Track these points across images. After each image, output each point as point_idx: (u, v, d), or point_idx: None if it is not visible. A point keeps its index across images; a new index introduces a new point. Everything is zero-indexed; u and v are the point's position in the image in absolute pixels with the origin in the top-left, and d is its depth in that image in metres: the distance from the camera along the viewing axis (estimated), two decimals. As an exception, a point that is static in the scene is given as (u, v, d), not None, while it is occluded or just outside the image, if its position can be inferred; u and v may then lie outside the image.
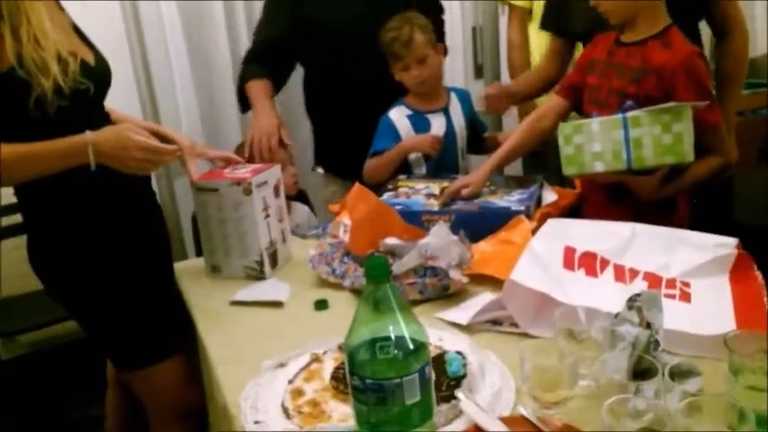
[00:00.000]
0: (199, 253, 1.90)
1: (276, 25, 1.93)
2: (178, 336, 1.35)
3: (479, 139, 1.93)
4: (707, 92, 1.35)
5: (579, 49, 1.78)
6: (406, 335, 0.70)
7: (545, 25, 1.87)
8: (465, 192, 1.53)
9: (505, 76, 2.45)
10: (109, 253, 1.29)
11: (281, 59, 1.95)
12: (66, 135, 1.16)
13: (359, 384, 0.71)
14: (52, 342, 2.34)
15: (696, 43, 1.50)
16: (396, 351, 0.69)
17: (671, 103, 1.29)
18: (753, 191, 2.49)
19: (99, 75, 1.26)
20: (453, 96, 1.88)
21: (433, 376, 0.83)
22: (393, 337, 0.70)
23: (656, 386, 0.80)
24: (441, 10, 2.08)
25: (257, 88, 1.87)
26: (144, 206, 1.39)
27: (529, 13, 2.18)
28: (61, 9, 1.28)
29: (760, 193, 2.43)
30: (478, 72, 2.86)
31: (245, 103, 1.92)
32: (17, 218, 2.20)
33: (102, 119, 1.29)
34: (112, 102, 1.37)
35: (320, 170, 2.11)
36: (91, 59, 1.25)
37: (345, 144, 1.91)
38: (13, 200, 2.25)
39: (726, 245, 1.14)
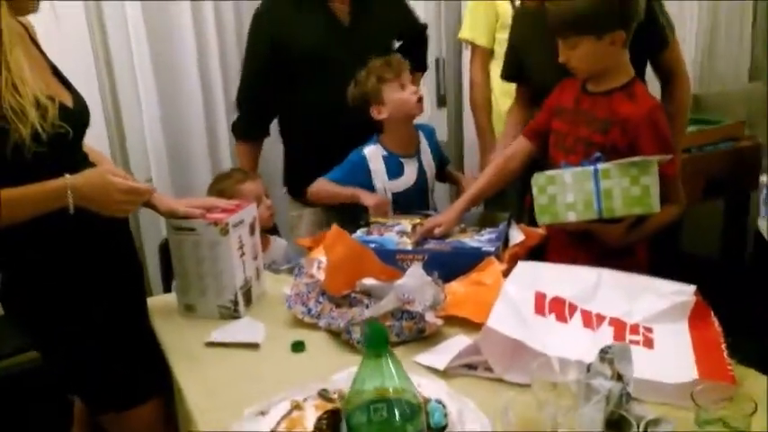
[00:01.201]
0: (166, 286, 1.90)
1: (257, 59, 2.00)
2: (154, 377, 1.33)
3: (442, 171, 2.01)
4: (668, 144, 1.44)
5: None
6: (403, 400, 0.73)
7: (507, 77, 1.94)
8: (437, 231, 1.58)
9: (467, 106, 2.54)
10: (83, 292, 1.27)
11: (266, 96, 2.04)
12: (44, 179, 1.14)
13: (357, 449, 0.74)
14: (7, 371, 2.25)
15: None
16: (393, 415, 0.72)
17: (638, 158, 1.36)
18: (700, 224, 2.64)
19: (77, 117, 1.25)
20: (422, 136, 1.93)
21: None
22: (391, 401, 0.73)
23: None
24: (424, 28, 2.23)
25: (243, 155, 2.13)
26: (120, 244, 1.38)
27: (491, 53, 2.25)
28: (40, 50, 1.27)
29: (707, 225, 2.58)
30: (441, 101, 2.94)
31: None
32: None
33: (81, 161, 1.28)
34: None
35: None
36: (69, 102, 1.24)
37: (311, 170, 1.93)
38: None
39: (684, 292, 1.21)
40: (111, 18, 2.20)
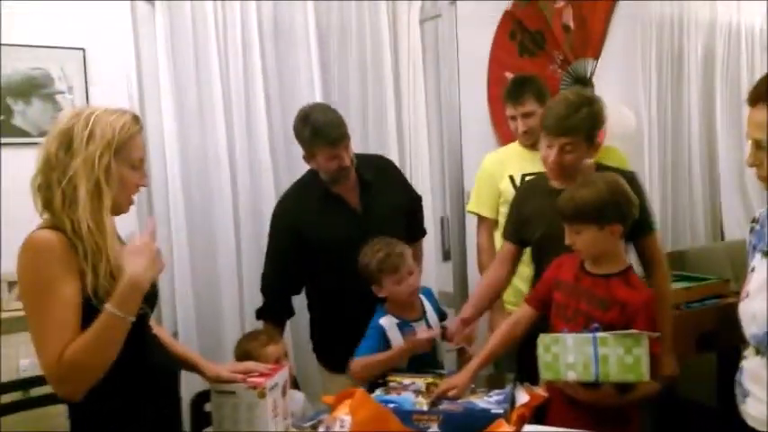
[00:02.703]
0: (195, 436, 2.01)
1: (279, 250, 2.24)
2: None
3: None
4: (656, 328, 1.64)
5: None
6: None
7: (507, 236, 2.17)
8: (452, 393, 1.74)
9: (471, 260, 2.79)
10: None
11: (289, 284, 2.27)
12: (125, 351, 1.32)
13: None
14: None
15: None
16: None
17: (632, 330, 1.56)
18: (695, 375, 2.78)
19: (152, 296, 1.46)
20: (424, 299, 2.13)
21: None
22: None
23: None
24: (419, 199, 2.50)
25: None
26: (168, 413, 1.51)
27: (495, 223, 2.54)
28: (120, 240, 1.47)
29: (701, 376, 2.71)
30: (446, 255, 3.19)
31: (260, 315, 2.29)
32: (17, 395, 2.30)
33: (150, 333, 1.46)
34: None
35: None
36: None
37: (338, 341, 2.11)
38: (14, 377, 2.33)
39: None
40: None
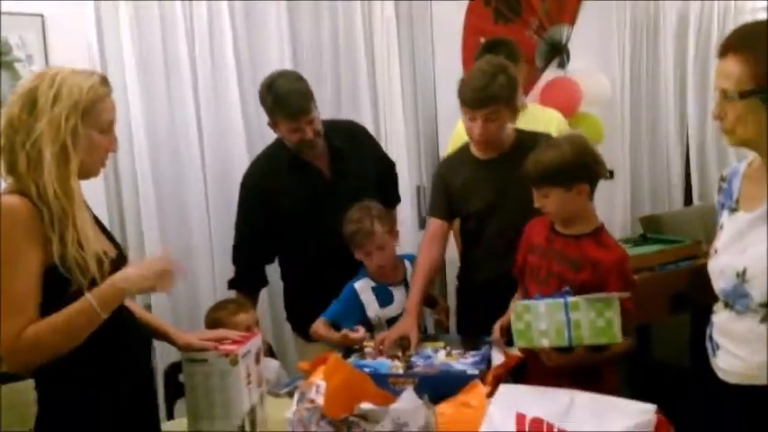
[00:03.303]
0: (169, 411, 1.99)
1: (249, 220, 2.21)
2: None
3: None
4: (630, 287, 1.65)
5: None
6: None
7: (435, 213, 2.11)
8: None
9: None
10: (107, 424, 1.37)
11: (260, 253, 2.25)
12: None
13: None
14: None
15: None
16: None
17: (602, 294, 1.56)
18: (668, 336, 2.82)
19: (121, 267, 1.41)
20: (407, 264, 2.13)
21: None
22: None
23: None
24: (393, 165, 2.46)
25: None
26: (143, 376, 1.49)
27: None
28: (87, 206, 1.41)
29: (674, 337, 2.75)
30: (422, 224, 3.17)
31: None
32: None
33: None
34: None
35: None
36: (113, 253, 1.40)
37: (310, 308, 2.10)
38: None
39: (646, 411, 1.36)
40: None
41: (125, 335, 1.42)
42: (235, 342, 1.58)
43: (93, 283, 1.29)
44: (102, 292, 1.30)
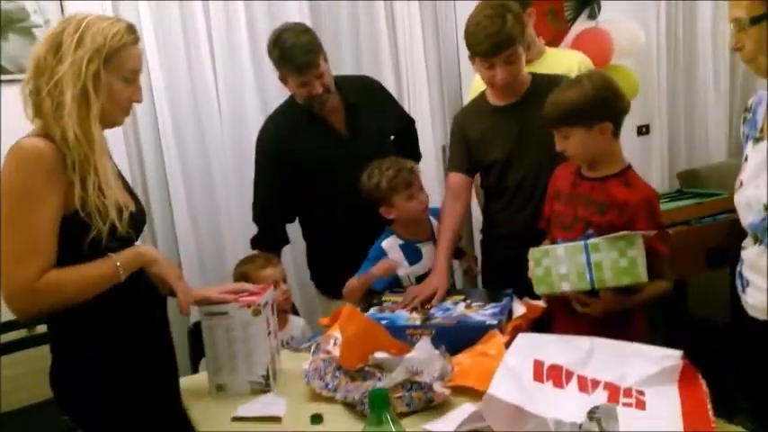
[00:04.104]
0: (194, 369, 2.02)
1: (266, 178, 2.18)
2: None
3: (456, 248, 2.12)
4: (660, 227, 1.57)
5: None
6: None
7: (455, 167, 2.05)
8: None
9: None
10: (124, 378, 1.38)
11: (280, 211, 2.23)
12: None
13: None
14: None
15: None
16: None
17: (624, 232, 1.49)
18: (704, 291, 2.71)
19: (140, 222, 1.44)
20: (433, 221, 2.08)
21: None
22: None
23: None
24: (412, 122, 2.41)
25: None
26: (159, 332, 1.50)
27: None
28: (110, 157, 1.43)
29: (710, 292, 2.65)
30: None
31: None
32: (16, 334, 2.32)
33: None
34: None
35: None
36: (133, 207, 1.40)
37: (334, 266, 2.08)
38: (12, 317, 2.35)
39: (672, 356, 1.30)
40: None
41: (142, 290, 1.43)
42: (252, 294, 1.58)
43: (112, 232, 1.30)
44: (129, 256, 1.33)
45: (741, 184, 1.35)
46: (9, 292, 1.26)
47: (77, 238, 1.29)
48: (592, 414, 1.06)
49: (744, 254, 1.38)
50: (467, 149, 2.02)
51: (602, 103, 1.58)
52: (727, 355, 1.60)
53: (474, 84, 2.46)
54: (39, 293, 1.26)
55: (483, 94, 2.02)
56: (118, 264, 1.32)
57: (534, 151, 1.87)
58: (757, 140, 1.33)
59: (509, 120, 1.93)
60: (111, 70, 1.32)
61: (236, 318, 1.53)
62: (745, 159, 1.36)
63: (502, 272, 1.98)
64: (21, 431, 2.23)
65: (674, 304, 2.64)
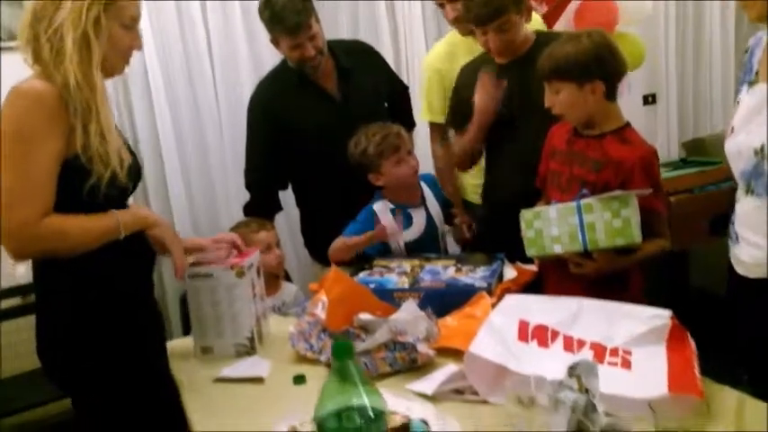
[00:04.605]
0: (186, 331, 2.01)
1: (258, 144, 2.15)
2: (175, 421, 1.39)
3: (449, 214, 2.12)
4: (658, 186, 1.53)
5: None
6: (368, 405, 0.82)
7: (458, 126, 2.03)
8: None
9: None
10: (111, 343, 1.35)
11: (272, 177, 2.20)
12: None
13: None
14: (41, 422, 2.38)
15: None
16: (358, 419, 0.81)
17: (617, 192, 1.45)
18: (706, 260, 2.67)
19: (137, 175, 1.43)
20: (424, 186, 2.05)
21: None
22: (356, 407, 0.82)
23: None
24: (406, 89, 2.37)
25: None
26: (145, 294, 1.47)
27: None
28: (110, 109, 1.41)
29: (713, 262, 2.60)
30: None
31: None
32: (15, 301, 2.34)
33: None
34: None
35: None
36: (130, 160, 1.39)
37: (327, 232, 2.05)
38: (12, 283, 2.37)
39: (660, 316, 1.27)
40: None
41: (132, 243, 1.40)
42: (238, 256, 1.56)
43: (111, 180, 1.29)
44: (132, 216, 1.35)
45: (732, 130, 1.30)
46: (7, 233, 1.24)
47: (76, 183, 1.27)
48: (572, 370, 1.03)
49: (737, 206, 1.34)
50: (467, 108, 1.97)
51: (598, 61, 1.52)
52: (727, 326, 1.56)
53: (430, 60, 2.34)
54: (39, 237, 1.25)
55: (487, 52, 1.96)
56: (120, 222, 1.32)
57: (534, 110, 1.82)
58: (752, 84, 1.28)
59: (509, 77, 1.88)
60: (111, 17, 1.30)
61: (220, 280, 1.52)
62: (737, 103, 1.31)
63: (498, 236, 1.94)
64: (21, 396, 2.25)
65: (674, 275, 2.61)
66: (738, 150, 1.26)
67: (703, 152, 3.02)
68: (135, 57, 1.43)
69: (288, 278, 2.22)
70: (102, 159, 1.28)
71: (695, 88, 3.49)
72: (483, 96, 1.88)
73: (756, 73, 1.27)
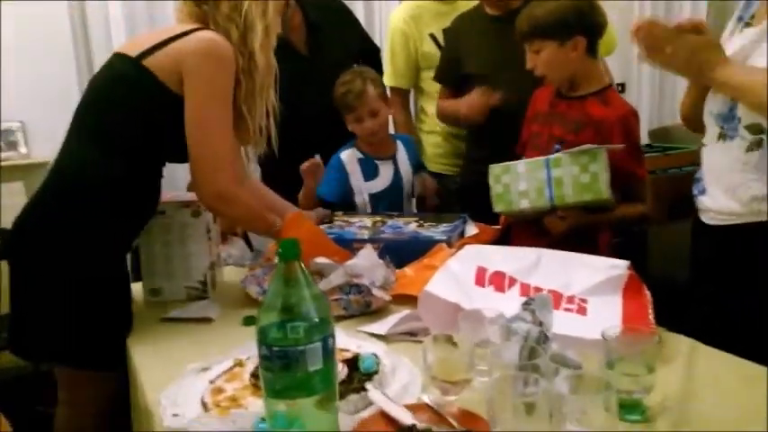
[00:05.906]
0: (137, 278, 1.94)
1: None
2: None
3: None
4: (637, 147, 1.52)
5: None
6: (312, 309, 0.78)
7: (445, 81, 2.03)
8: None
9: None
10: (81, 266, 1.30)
11: None
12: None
13: (266, 353, 0.78)
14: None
15: None
16: (301, 323, 0.77)
17: (587, 146, 1.44)
18: (665, 246, 2.70)
19: None
20: (399, 144, 2.01)
21: (346, 372, 0.95)
22: (300, 311, 0.78)
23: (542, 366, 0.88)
24: (377, 51, 2.31)
25: None
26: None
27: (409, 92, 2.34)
28: None
29: (671, 247, 2.63)
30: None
31: None
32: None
33: None
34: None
35: None
36: None
37: (293, 186, 2.00)
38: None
39: (618, 266, 1.26)
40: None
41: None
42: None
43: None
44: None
45: None
46: (216, 195, 1.33)
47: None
48: (527, 305, 1.02)
49: (704, 153, 1.33)
50: (456, 61, 1.96)
51: (577, 16, 1.52)
52: (686, 313, 1.56)
53: (394, 21, 2.29)
54: (236, 201, 1.37)
55: (481, 3, 1.95)
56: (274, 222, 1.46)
57: (521, 69, 1.79)
58: (747, 25, 1.26)
59: (499, 29, 1.86)
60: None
61: (174, 217, 1.46)
62: (725, 41, 1.28)
63: (480, 196, 1.91)
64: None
65: (634, 257, 2.61)
66: (714, 92, 1.26)
67: (668, 139, 3.06)
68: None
69: (247, 240, 2.15)
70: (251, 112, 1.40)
71: (664, 78, 3.54)
72: (469, 115, 1.90)
73: (753, 16, 1.25)
